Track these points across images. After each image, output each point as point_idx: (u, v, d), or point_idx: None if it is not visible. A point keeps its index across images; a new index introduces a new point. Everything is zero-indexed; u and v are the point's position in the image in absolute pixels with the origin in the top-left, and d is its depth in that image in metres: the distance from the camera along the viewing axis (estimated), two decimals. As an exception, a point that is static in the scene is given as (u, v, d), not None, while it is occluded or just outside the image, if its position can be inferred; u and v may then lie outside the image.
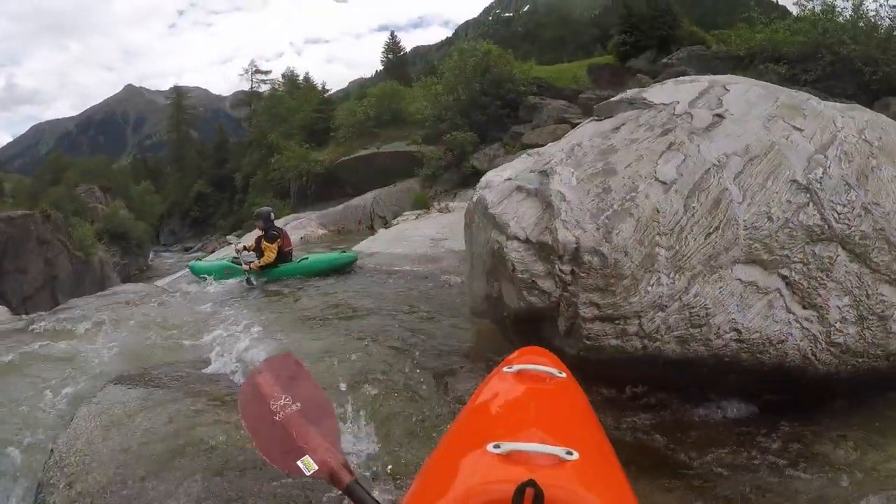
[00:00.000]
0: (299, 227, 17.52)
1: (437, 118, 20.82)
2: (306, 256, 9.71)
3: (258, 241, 8.96)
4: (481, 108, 19.81)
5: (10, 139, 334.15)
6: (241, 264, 9.07)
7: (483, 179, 4.21)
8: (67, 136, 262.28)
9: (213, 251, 38.52)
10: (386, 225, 15.85)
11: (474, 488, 1.07)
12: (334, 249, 10.40)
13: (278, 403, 1.63)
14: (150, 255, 39.74)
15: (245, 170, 42.41)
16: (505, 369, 1.63)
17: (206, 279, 9.42)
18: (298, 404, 1.64)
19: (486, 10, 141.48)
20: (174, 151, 62.32)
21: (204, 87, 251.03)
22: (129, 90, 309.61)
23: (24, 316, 7.59)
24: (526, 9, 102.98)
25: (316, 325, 5.76)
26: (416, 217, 14.60)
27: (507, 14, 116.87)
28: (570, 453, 1.09)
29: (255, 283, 8.64)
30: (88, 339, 5.74)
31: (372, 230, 16.45)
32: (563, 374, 1.62)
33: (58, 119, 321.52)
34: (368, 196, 19.30)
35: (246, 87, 55.98)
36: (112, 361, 4.84)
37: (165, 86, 58.93)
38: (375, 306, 6.36)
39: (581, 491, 1.04)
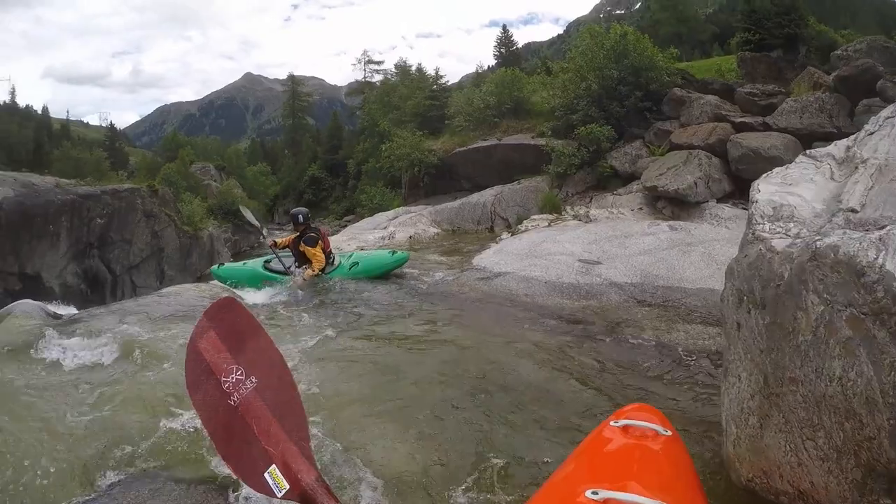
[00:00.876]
0: (409, 223, 15.97)
1: (568, 108, 17.90)
2: (352, 255, 8.91)
3: (294, 243, 8.17)
4: (618, 100, 16.93)
5: (138, 118, 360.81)
6: (273, 271, 8.40)
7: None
8: (190, 117, 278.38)
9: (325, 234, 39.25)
10: (510, 229, 13.94)
11: None
12: (388, 249, 9.88)
13: (230, 379, 1.44)
14: (265, 232, 40.24)
15: (358, 157, 41.23)
16: (612, 422, 1.65)
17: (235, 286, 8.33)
18: (254, 378, 1.45)
19: (596, 9, 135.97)
20: (290, 136, 63.68)
21: (320, 77, 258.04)
22: (248, 78, 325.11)
23: (53, 313, 7.04)
24: (637, 6, 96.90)
25: (430, 389, 4.30)
26: (549, 224, 12.49)
27: (618, 11, 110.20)
28: None
29: (300, 295, 7.60)
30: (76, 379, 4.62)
31: (492, 233, 14.69)
32: (669, 433, 1.61)
33: (181, 102, 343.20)
34: (488, 193, 16.92)
35: (359, 77, 55.97)
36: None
37: (282, 75, 60.48)
38: (509, 366, 4.76)
39: None
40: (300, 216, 8.44)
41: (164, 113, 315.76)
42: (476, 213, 16.11)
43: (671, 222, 10.97)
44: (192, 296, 8.16)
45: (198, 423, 2.89)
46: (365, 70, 55.05)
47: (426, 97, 29.20)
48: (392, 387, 4.37)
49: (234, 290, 7.99)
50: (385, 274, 8.55)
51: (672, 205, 12.73)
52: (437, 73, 33.12)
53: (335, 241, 13.57)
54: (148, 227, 19.84)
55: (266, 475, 1.37)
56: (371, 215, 21.34)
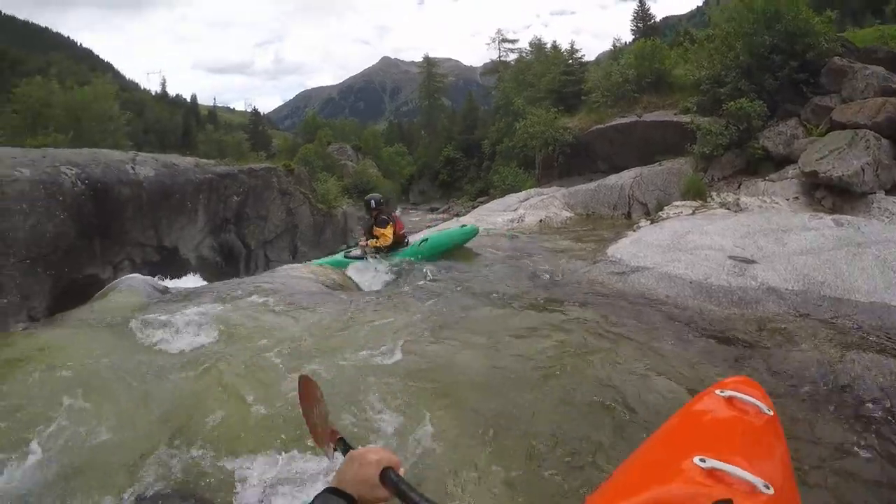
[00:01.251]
0: (540, 205, 15.02)
1: (715, 81, 16.04)
2: (426, 238, 9.46)
3: (369, 228, 9.38)
4: (770, 71, 14.89)
5: (281, 102, 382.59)
6: (351, 257, 9.57)
7: None
8: (330, 101, 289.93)
9: (456, 215, 39.01)
10: (648, 215, 12.67)
11: (678, 496, 1.13)
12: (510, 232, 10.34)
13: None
14: (398, 212, 40.53)
15: (492, 137, 41.03)
16: (717, 391, 1.65)
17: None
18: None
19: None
20: (426, 117, 64.48)
21: (456, 58, 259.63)
22: (385, 61, 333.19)
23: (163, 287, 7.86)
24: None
25: (538, 407, 3.78)
26: (693, 212, 11.05)
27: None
28: (767, 486, 1.12)
29: (373, 260, 9.06)
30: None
31: (629, 219, 13.47)
32: (771, 412, 1.61)
33: (321, 87, 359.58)
34: (626, 175, 15.41)
35: (494, 57, 55.36)
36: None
37: (418, 57, 60.80)
38: (640, 389, 3.97)
39: None
40: (373, 201, 9.55)
41: (305, 97, 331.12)
42: (612, 196, 14.78)
43: (835, 216, 9.28)
44: (297, 276, 8.44)
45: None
46: (499, 49, 54.67)
47: (561, 72, 27.74)
48: (494, 401, 3.86)
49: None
50: (455, 248, 9.10)
51: (833, 195, 11.01)
52: (572, 46, 31.51)
53: (462, 221, 13.77)
54: (283, 205, 20.09)
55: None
56: (503, 196, 20.66)
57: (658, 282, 6.83)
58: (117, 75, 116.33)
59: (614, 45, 30.50)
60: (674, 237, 8.52)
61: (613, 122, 19.54)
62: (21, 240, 10.64)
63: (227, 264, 17.69)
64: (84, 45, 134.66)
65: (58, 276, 11.49)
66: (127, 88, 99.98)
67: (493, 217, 14.38)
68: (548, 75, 28.99)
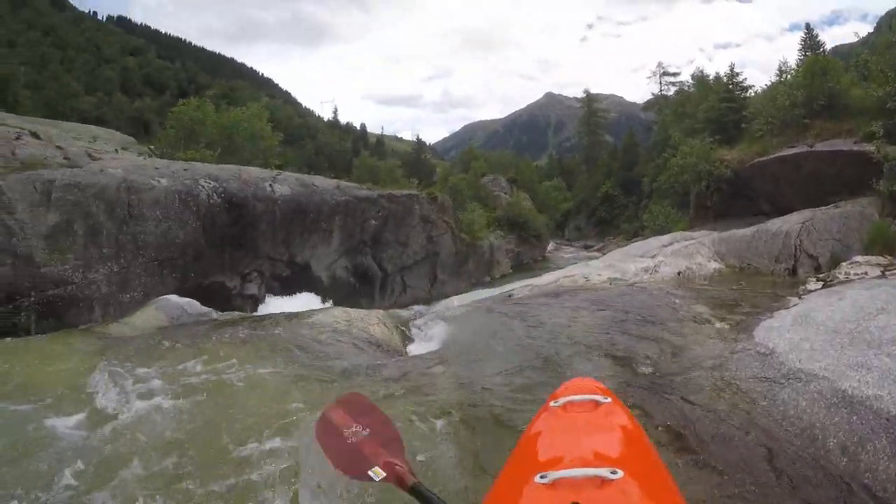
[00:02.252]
0: (684, 253, 12.38)
1: None
2: None
3: None
4: None
5: (447, 134, 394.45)
6: None
7: None
8: (495, 134, 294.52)
9: (611, 252, 37.18)
10: (820, 272, 9.71)
11: None
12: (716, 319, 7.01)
13: (350, 430, 1.74)
14: (550, 247, 39.41)
15: (651, 173, 38.43)
16: (552, 403, 1.59)
17: None
18: (368, 430, 1.74)
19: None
20: (586, 152, 62.47)
21: (618, 94, 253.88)
22: (549, 97, 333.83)
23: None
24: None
25: None
26: (881, 273, 7.87)
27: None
28: (614, 472, 1.09)
29: None
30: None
31: (793, 276, 10.43)
32: (609, 399, 1.55)
33: (486, 120, 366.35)
34: (793, 220, 12.31)
35: (655, 90, 52.47)
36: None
37: (581, 93, 59.16)
38: None
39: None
40: None
41: (470, 130, 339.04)
42: (774, 246, 11.76)
43: None
44: (328, 325, 7.45)
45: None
46: (660, 83, 51.76)
47: (720, 99, 24.97)
48: None
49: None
50: None
51: None
52: (732, 70, 27.40)
53: (592, 265, 12.15)
54: (424, 232, 19.72)
55: (370, 472, 1.56)
56: (650, 238, 18.63)
57: (830, 411, 4.00)
58: (294, 102, 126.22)
59: (780, 69, 25.78)
60: (858, 317, 5.44)
61: (778, 154, 16.48)
62: (151, 243, 11.00)
63: (361, 285, 17.26)
64: (265, 75, 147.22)
65: (183, 279, 11.61)
66: (302, 115, 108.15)
67: (626, 264, 12.02)
68: (706, 102, 26.46)
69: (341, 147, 68.69)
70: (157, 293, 11.15)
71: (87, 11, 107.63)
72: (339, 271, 16.34)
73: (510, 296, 10.69)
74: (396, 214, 18.28)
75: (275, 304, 13.25)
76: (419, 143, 72.37)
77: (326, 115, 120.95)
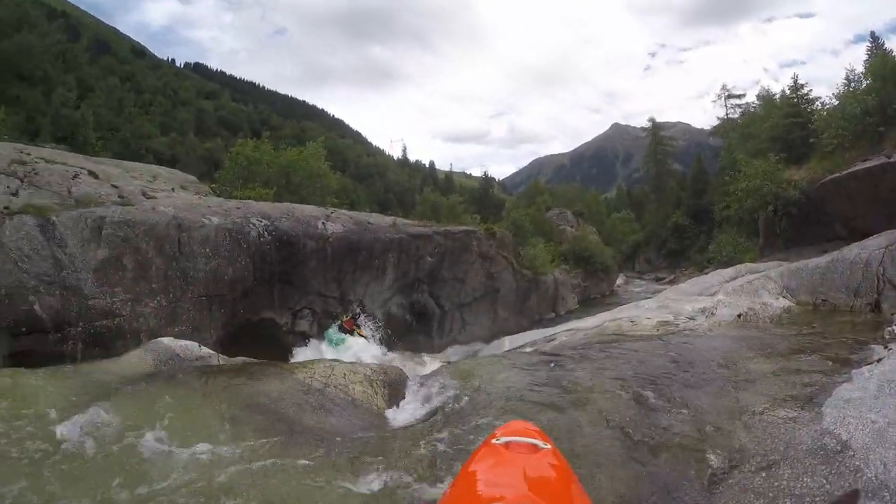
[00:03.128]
0: (747, 290, 10.73)
1: None
2: None
3: None
4: None
5: (515, 170, 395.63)
6: None
7: None
8: (563, 168, 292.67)
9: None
10: None
11: None
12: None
13: None
14: (620, 281, 37.87)
15: (719, 201, 37.52)
16: (493, 441, 1.68)
17: None
18: None
19: None
20: (654, 183, 60.50)
21: (686, 121, 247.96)
22: (616, 128, 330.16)
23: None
24: None
25: None
26: None
27: None
28: None
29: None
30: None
31: (877, 313, 8.74)
32: (548, 446, 1.67)
33: (554, 154, 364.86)
34: (873, 244, 10.29)
35: (721, 114, 50.40)
36: None
37: (647, 123, 57.95)
38: None
39: None
40: None
41: (538, 164, 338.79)
42: (853, 276, 9.85)
43: None
44: (300, 380, 6.61)
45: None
46: (726, 106, 49.60)
47: (784, 115, 23.53)
48: None
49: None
50: None
51: None
52: (795, 82, 25.39)
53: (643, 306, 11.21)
54: (483, 268, 19.10)
55: None
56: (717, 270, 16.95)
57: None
58: (364, 141, 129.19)
59: (847, 78, 22.94)
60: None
61: (853, 169, 15.01)
62: (200, 279, 11.13)
63: (418, 323, 16.84)
64: (336, 116, 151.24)
65: (231, 315, 11.70)
66: (372, 154, 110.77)
67: (681, 304, 10.44)
68: (770, 119, 25.04)
69: (410, 184, 69.83)
70: (205, 328, 11.33)
71: (165, 59, 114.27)
72: (394, 308, 16.07)
73: (548, 342, 9.93)
74: (453, 251, 17.79)
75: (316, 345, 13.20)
76: (486, 179, 72.59)
77: (396, 154, 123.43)
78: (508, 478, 1.43)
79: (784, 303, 10.05)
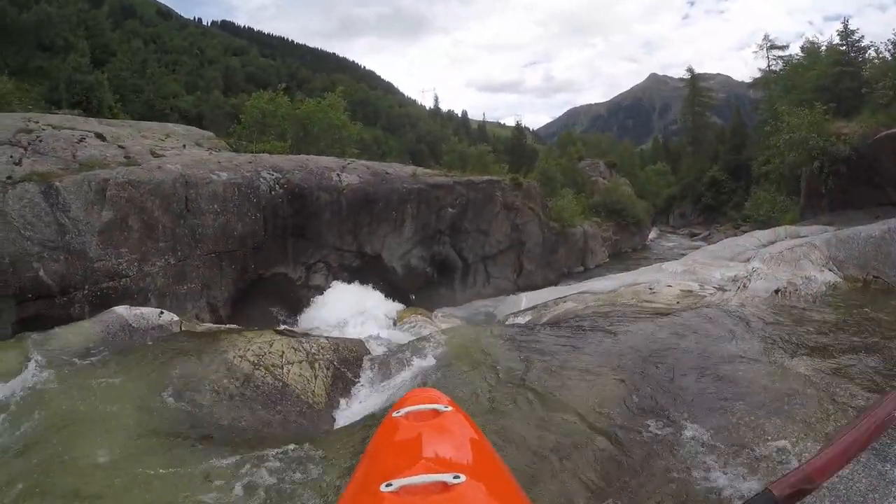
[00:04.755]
0: (788, 258, 9.13)
1: None
2: None
3: None
4: None
5: (549, 119, 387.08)
6: None
7: None
8: (599, 118, 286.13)
9: (716, 242, 34.71)
10: None
11: None
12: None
13: None
14: (653, 235, 36.67)
15: (759, 156, 36.08)
16: (394, 414, 1.62)
17: None
18: None
19: None
20: (691, 135, 57.60)
21: (725, 73, 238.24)
22: (653, 79, 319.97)
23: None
24: None
25: None
26: None
27: None
28: (457, 477, 1.10)
29: None
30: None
31: None
32: (449, 408, 1.60)
33: (590, 104, 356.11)
34: None
35: (762, 66, 46.59)
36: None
37: (685, 74, 55.15)
38: None
39: None
40: None
41: (574, 114, 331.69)
42: None
43: None
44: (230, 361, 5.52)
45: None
46: (767, 57, 45.89)
47: (833, 62, 21.79)
48: None
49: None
50: None
51: None
52: (845, 27, 23.18)
53: (668, 269, 9.68)
54: (507, 220, 18.34)
55: None
56: (753, 230, 15.58)
57: None
58: (395, 92, 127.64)
59: None
60: None
61: None
62: (209, 236, 10.90)
63: (439, 275, 16.34)
64: (367, 67, 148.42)
65: (242, 271, 11.43)
66: (403, 104, 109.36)
67: (709, 269, 9.02)
68: (815, 69, 23.41)
69: (442, 134, 68.74)
70: (215, 284, 11.17)
71: (192, 18, 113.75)
72: (413, 261, 15.61)
73: (557, 304, 8.99)
74: (476, 202, 17.04)
75: (336, 293, 13.04)
76: (519, 129, 71.10)
77: (428, 104, 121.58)
78: (407, 449, 1.38)
79: (830, 277, 8.61)
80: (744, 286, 8.08)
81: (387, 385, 5.41)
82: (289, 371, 5.46)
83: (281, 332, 6.52)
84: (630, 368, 4.92)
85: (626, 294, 8.26)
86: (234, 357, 5.47)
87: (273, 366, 5.49)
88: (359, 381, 5.73)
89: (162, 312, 7.46)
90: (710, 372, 4.81)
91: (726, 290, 8.01)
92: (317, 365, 5.67)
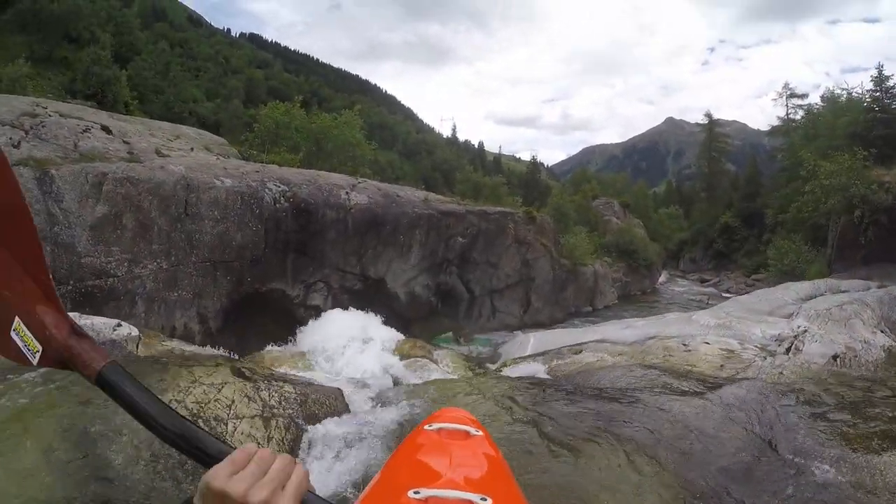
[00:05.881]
0: (837, 316, 7.91)
1: None
2: None
3: None
4: None
5: (565, 157, 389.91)
6: None
7: None
8: (613, 159, 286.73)
9: (727, 288, 34.03)
10: None
11: None
12: None
13: None
14: (662, 279, 35.62)
15: (776, 204, 34.60)
16: (426, 427, 1.60)
17: None
18: None
19: None
20: (706, 180, 56.81)
21: (742, 120, 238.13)
22: (670, 122, 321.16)
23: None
24: None
25: None
26: None
27: None
28: (484, 499, 1.10)
29: None
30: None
31: None
32: (480, 433, 1.58)
33: (605, 144, 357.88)
34: None
35: (781, 114, 46.47)
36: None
37: (702, 119, 54.99)
38: None
39: None
40: None
41: (589, 153, 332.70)
42: None
43: None
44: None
45: None
46: (787, 105, 45.61)
47: (865, 109, 21.17)
48: None
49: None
50: None
51: None
52: (880, 73, 22.21)
53: (699, 321, 8.51)
54: (518, 254, 17.67)
55: (13, 334, 0.92)
56: (777, 282, 14.49)
57: None
58: (415, 118, 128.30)
59: None
60: None
61: None
62: (206, 243, 10.30)
63: (443, 305, 15.63)
64: (388, 92, 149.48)
65: (238, 283, 10.78)
66: (421, 131, 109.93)
67: (748, 324, 8.05)
68: (845, 117, 22.63)
69: (458, 164, 68.73)
70: (208, 295, 10.34)
71: (221, 28, 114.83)
72: (418, 289, 14.84)
73: (573, 353, 7.81)
74: (488, 233, 16.31)
75: (334, 316, 12.21)
76: (534, 163, 70.84)
77: (445, 133, 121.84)
78: (437, 463, 1.37)
79: (883, 340, 7.48)
80: (796, 349, 6.90)
81: (339, 468, 4.18)
82: (235, 428, 4.29)
83: (240, 373, 5.15)
84: (681, 483, 3.60)
85: (656, 350, 7.04)
86: (169, 400, 4.21)
87: (216, 419, 4.28)
88: (311, 454, 4.42)
89: (119, 324, 6.48)
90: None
91: (774, 353, 6.86)
92: (274, 423, 4.43)
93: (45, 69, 29.10)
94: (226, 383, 4.66)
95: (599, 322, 13.31)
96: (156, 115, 20.11)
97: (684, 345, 7.04)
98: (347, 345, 10.64)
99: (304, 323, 11.84)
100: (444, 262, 15.60)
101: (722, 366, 6.38)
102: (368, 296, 13.29)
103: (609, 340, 8.17)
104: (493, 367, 9.89)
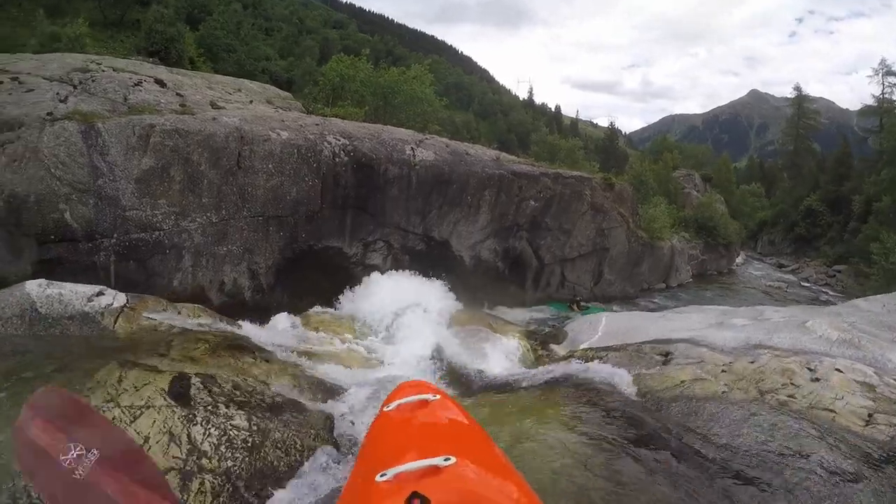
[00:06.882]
0: None
1: None
2: None
3: None
4: None
5: (643, 125, 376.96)
6: None
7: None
8: (694, 129, 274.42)
9: (806, 277, 31.81)
10: None
11: None
12: None
13: (70, 457, 1.21)
14: (740, 259, 33.35)
15: (868, 191, 31.89)
16: (385, 409, 1.68)
17: None
18: (95, 451, 1.23)
19: None
20: (790, 159, 52.84)
21: (829, 98, 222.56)
22: (754, 95, 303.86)
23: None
24: None
25: None
26: None
27: None
28: (447, 459, 1.17)
29: None
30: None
31: None
32: (437, 396, 1.65)
33: (686, 114, 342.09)
34: None
35: (875, 92, 42.16)
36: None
37: (788, 93, 51.25)
38: None
39: (462, 486, 1.11)
40: None
41: (668, 122, 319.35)
42: None
43: None
44: None
45: None
46: (883, 83, 41.24)
47: None
48: None
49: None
50: None
51: None
52: None
53: (815, 331, 6.67)
54: (594, 222, 16.46)
55: None
56: (886, 285, 13.00)
57: None
58: (491, 80, 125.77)
59: None
60: None
61: None
62: (259, 197, 9.76)
63: (511, 272, 14.87)
64: (464, 53, 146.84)
65: (291, 239, 10.28)
66: (497, 91, 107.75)
67: (879, 346, 6.08)
68: None
69: (534, 126, 66.88)
70: (259, 250, 9.77)
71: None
72: (484, 253, 13.74)
73: (663, 359, 6.24)
74: (563, 198, 15.24)
75: (392, 278, 11.68)
76: (613, 130, 68.15)
77: (522, 95, 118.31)
78: (400, 440, 1.42)
79: None
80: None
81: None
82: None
83: (182, 388, 3.82)
84: None
85: (773, 371, 5.30)
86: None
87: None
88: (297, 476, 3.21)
89: (100, 293, 5.73)
90: None
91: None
92: (195, 484, 3.16)
93: (117, 32, 29.65)
94: (149, 406, 3.48)
95: (679, 307, 11.88)
96: (227, 73, 19.69)
97: (809, 369, 5.24)
98: (400, 313, 9.84)
99: (360, 282, 11.29)
100: (513, 226, 14.71)
101: (871, 416, 4.49)
102: (431, 258, 12.47)
103: (703, 343, 6.41)
104: (560, 350, 8.80)
